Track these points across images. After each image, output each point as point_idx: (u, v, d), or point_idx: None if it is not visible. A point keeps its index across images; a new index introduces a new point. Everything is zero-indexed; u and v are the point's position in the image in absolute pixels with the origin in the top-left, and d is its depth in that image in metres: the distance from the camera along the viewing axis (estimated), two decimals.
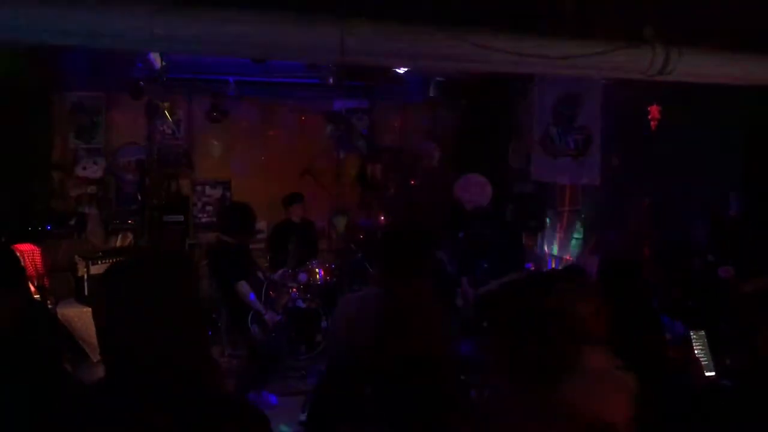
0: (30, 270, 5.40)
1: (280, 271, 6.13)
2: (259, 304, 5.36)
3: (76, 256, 6.23)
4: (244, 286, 5.29)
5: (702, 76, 3.87)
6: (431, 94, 5.69)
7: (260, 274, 5.77)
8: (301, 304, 6.06)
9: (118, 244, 6.79)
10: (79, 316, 5.64)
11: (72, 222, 6.67)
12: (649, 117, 5.13)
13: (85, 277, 6.08)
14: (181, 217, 7.32)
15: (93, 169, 6.86)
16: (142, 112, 7.07)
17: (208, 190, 7.65)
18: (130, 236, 6.89)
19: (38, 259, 5.50)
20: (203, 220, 7.64)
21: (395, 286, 2.88)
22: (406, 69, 6.12)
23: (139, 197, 7.08)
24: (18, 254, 5.31)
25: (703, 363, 3.42)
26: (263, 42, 3.57)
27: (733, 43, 3.88)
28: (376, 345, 2.71)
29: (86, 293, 6.03)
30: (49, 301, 5.44)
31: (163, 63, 3.17)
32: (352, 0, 3.56)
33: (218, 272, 5.43)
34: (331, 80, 5.48)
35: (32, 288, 5.28)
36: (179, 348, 1.47)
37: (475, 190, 5.52)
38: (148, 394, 1.42)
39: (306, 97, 7.79)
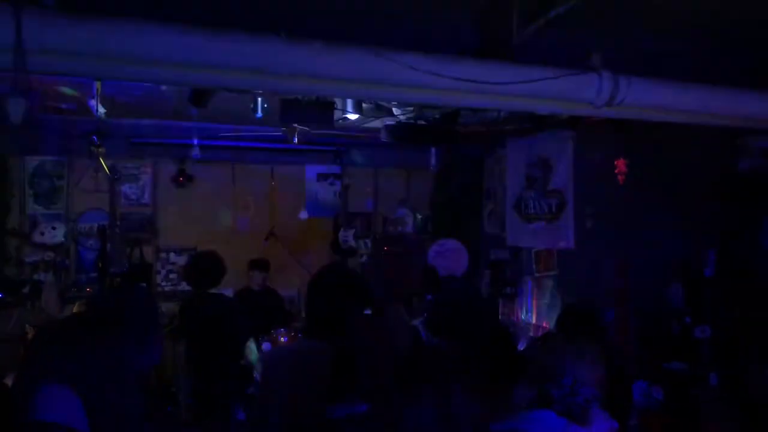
0: None
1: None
2: None
3: (27, 326, 5.94)
4: None
5: (655, 110, 3.59)
6: (382, 138, 5.43)
7: None
8: None
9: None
10: None
11: (25, 290, 6.38)
12: (616, 171, 4.97)
13: None
14: (143, 285, 7.03)
15: (51, 235, 6.62)
16: (106, 177, 6.88)
17: (173, 257, 7.40)
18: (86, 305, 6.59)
19: None
20: (167, 288, 7.35)
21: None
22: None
23: (100, 264, 6.80)
24: None
25: None
26: None
27: (691, 73, 3.64)
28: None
29: None
30: None
31: (104, 110, 2.93)
32: None
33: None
34: (295, 139, 5.27)
35: None
36: None
37: (450, 256, 5.33)
38: None
39: (276, 161, 7.68)
